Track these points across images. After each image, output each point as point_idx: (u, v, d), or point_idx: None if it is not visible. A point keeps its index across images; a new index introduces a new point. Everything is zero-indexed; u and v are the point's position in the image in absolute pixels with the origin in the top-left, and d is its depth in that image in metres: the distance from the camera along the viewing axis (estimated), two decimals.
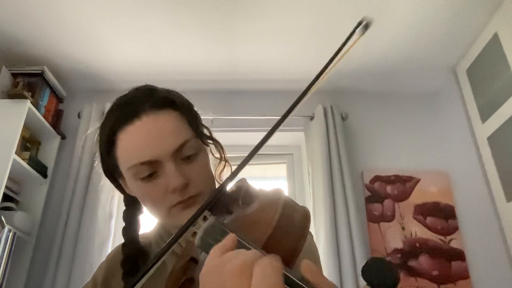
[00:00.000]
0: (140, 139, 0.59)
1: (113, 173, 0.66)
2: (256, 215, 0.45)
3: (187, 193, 0.58)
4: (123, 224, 0.71)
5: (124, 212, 0.71)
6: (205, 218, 0.46)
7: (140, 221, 0.72)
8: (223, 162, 0.71)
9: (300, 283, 0.30)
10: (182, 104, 0.65)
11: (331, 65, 0.50)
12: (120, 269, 0.67)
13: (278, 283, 0.29)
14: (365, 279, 0.30)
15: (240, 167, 0.48)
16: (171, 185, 0.57)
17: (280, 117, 0.52)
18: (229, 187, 0.53)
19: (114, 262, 0.72)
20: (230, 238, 0.38)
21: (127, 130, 0.60)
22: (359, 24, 0.54)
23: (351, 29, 0.54)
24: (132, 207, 0.70)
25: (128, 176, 0.61)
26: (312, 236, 0.65)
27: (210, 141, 0.68)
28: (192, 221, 0.45)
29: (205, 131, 0.69)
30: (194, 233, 0.45)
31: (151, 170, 0.58)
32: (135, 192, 0.64)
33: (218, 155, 0.71)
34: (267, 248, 0.37)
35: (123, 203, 0.73)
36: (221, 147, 0.71)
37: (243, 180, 0.59)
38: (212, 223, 0.43)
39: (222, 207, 0.52)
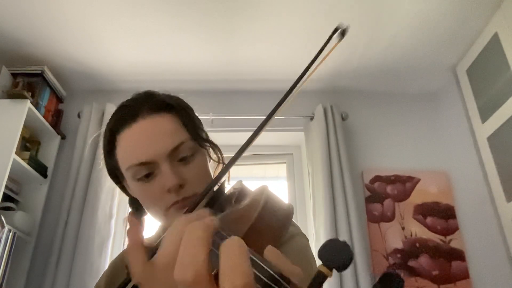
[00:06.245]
0: (137, 140, 0.61)
1: (116, 175, 0.68)
2: (240, 211, 0.47)
3: (182, 194, 0.60)
4: (123, 224, 0.72)
5: (129, 214, 0.73)
6: None
7: (145, 222, 0.73)
8: (221, 165, 0.72)
9: (262, 264, 0.30)
10: (179, 107, 0.67)
11: (309, 72, 0.50)
12: (122, 273, 0.67)
13: (245, 263, 0.28)
14: (320, 259, 0.30)
15: (227, 167, 0.48)
16: (166, 185, 0.59)
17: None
18: (227, 189, 0.55)
19: (116, 268, 0.72)
20: (201, 211, 0.38)
21: (125, 132, 0.62)
22: (335, 30, 0.54)
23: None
24: (136, 209, 0.72)
25: (128, 176, 0.63)
26: (307, 240, 0.65)
27: (208, 144, 0.69)
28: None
29: (204, 135, 0.70)
30: None
31: (148, 170, 0.60)
32: (135, 192, 0.66)
33: (215, 158, 0.72)
34: (248, 238, 0.38)
35: (123, 203, 0.73)
36: (219, 150, 0.72)
37: (239, 182, 0.61)
38: None
39: (218, 207, 0.53)
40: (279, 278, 0.29)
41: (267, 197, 0.44)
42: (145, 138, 0.61)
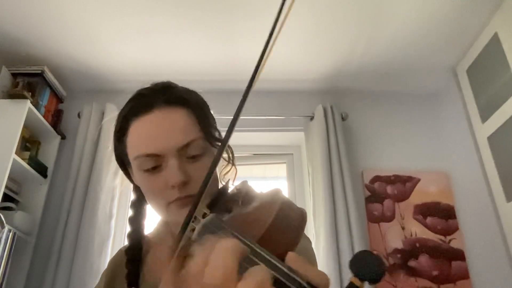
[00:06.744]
0: (148, 131, 0.61)
1: (122, 160, 0.68)
2: (253, 214, 0.46)
3: (185, 191, 0.59)
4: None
5: (132, 202, 0.73)
6: (204, 215, 0.46)
7: (146, 211, 0.73)
8: (230, 165, 0.72)
9: (292, 274, 0.31)
10: (196, 104, 0.66)
11: (274, 37, 0.48)
12: (122, 271, 0.67)
13: (265, 282, 0.29)
14: (353, 271, 0.31)
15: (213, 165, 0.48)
16: (170, 181, 0.58)
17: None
18: (231, 189, 0.54)
19: (115, 265, 0.72)
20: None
21: (138, 121, 0.62)
22: None
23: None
24: (140, 196, 0.72)
25: (134, 165, 0.63)
26: (310, 242, 0.65)
27: (220, 144, 0.69)
28: (190, 215, 0.46)
29: (217, 134, 0.69)
30: (193, 230, 0.45)
31: (155, 163, 0.60)
32: (139, 182, 0.66)
33: (226, 156, 0.72)
34: (262, 244, 0.38)
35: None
36: (231, 151, 0.72)
37: (244, 182, 0.60)
38: (211, 218, 0.43)
39: (222, 207, 0.53)
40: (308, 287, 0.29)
41: (282, 202, 0.43)
42: (157, 130, 0.60)
